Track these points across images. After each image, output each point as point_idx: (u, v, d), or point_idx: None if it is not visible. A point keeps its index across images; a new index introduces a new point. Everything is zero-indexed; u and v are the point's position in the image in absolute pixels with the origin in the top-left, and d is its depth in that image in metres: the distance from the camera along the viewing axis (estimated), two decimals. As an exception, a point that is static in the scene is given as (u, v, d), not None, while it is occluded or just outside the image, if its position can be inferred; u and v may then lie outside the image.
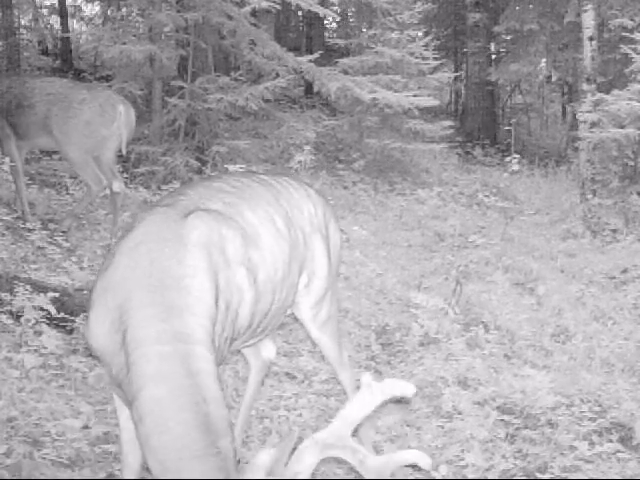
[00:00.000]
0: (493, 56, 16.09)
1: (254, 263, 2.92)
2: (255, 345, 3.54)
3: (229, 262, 2.79)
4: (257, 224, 3.04)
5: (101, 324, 2.59)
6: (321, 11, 9.95)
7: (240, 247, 2.87)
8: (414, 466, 3.81)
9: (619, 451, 4.01)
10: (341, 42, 12.57)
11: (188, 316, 2.54)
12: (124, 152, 6.78)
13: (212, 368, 2.50)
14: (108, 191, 6.73)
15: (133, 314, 2.52)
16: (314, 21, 16.15)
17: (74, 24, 17.05)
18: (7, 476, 2.31)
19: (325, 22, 17.68)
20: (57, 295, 4.65)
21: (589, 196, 9.42)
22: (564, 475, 3.79)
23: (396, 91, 10.69)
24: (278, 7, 9.20)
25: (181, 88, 9.05)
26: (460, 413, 4.30)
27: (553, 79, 17.55)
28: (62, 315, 4.56)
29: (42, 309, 4.48)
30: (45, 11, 16.80)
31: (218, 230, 2.82)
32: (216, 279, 2.70)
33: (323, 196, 3.70)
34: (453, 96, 18.57)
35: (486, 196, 9.48)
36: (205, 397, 2.40)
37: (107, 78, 9.78)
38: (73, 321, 4.61)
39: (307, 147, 9.30)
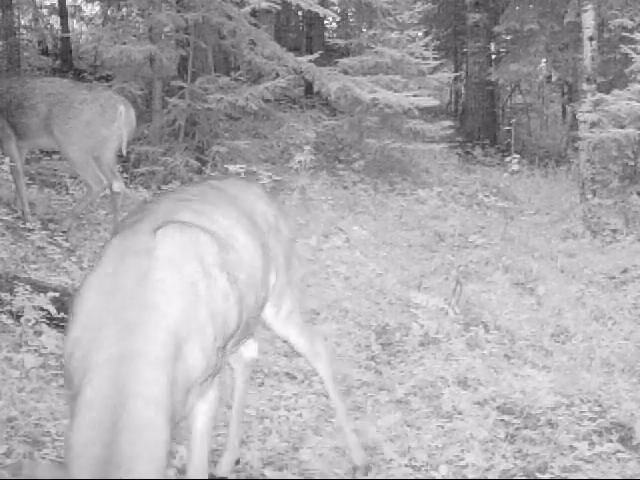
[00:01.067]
0: (493, 56, 16.06)
1: (233, 266, 2.85)
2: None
3: (208, 270, 2.68)
4: (229, 226, 2.99)
5: (72, 350, 2.40)
6: (321, 11, 9.95)
7: (217, 252, 2.78)
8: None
9: (619, 451, 4.00)
10: (341, 42, 12.56)
11: (148, 333, 2.36)
12: (124, 152, 6.78)
13: (155, 392, 2.27)
14: (108, 191, 6.74)
15: (93, 338, 2.35)
16: (314, 21, 16.16)
17: (74, 24, 17.06)
18: (7, 476, 2.31)
19: (325, 22, 17.69)
20: (57, 295, 4.65)
21: (589, 196, 9.42)
22: (564, 475, 3.78)
23: (396, 91, 10.69)
24: (278, 7, 9.20)
25: (181, 88, 9.04)
26: (460, 413, 4.30)
27: (553, 79, 17.55)
28: (62, 315, 4.55)
29: (42, 309, 4.49)
30: (45, 11, 16.79)
31: (192, 239, 2.70)
32: (194, 290, 2.57)
33: (268, 191, 3.69)
34: (453, 96, 18.56)
35: (486, 196, 9.47)
36: (126, 425, 2.17)
37: (107, 78, 9.78)
38: (73, 321, 4.61)
39: (307, 147, 9.29)
